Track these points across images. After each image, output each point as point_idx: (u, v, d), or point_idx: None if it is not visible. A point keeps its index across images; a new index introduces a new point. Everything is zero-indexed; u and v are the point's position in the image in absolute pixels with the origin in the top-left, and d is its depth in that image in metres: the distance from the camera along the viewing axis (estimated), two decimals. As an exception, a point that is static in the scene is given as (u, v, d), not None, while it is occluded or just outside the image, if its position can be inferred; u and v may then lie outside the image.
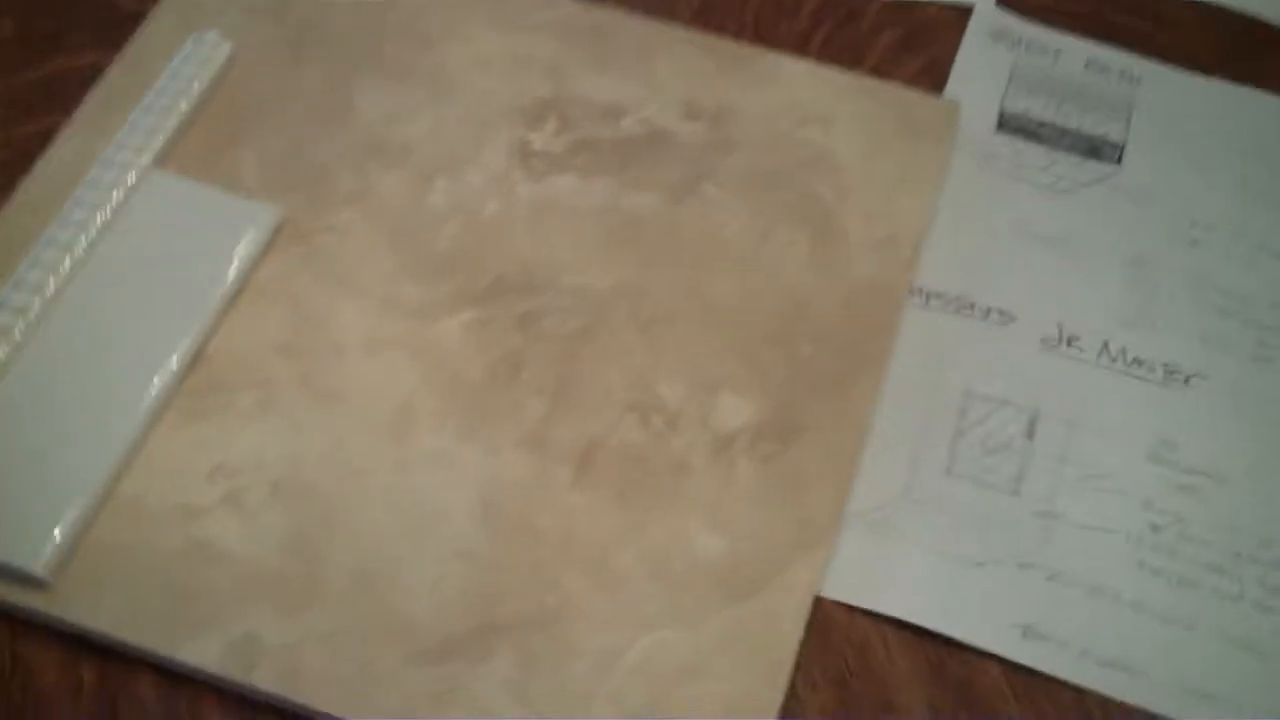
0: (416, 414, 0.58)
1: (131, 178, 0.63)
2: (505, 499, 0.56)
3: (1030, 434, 0.60)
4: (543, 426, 0.58)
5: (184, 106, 0.66)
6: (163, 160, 0.65)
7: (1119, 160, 0.68)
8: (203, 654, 0.53)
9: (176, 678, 0.53)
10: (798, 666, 0.54)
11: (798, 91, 0.69)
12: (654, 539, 0.56)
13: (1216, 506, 0.58)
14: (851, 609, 0.56)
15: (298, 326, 0.61)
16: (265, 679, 0.52)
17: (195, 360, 0.60)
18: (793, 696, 0.54)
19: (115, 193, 0.63)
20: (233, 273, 0.61)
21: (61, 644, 0.54)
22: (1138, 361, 0.62)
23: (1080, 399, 0.61)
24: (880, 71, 0.71)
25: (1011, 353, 0.62)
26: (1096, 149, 0.68)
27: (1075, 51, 0.72)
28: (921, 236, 0.64)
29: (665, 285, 0.62)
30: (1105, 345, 0.62)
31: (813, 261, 0.63)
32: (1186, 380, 0.61)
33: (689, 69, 0.69)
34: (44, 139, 0.66)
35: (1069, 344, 0.62)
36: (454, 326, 0.61)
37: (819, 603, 0.56)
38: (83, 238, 0.62)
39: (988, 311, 0.63)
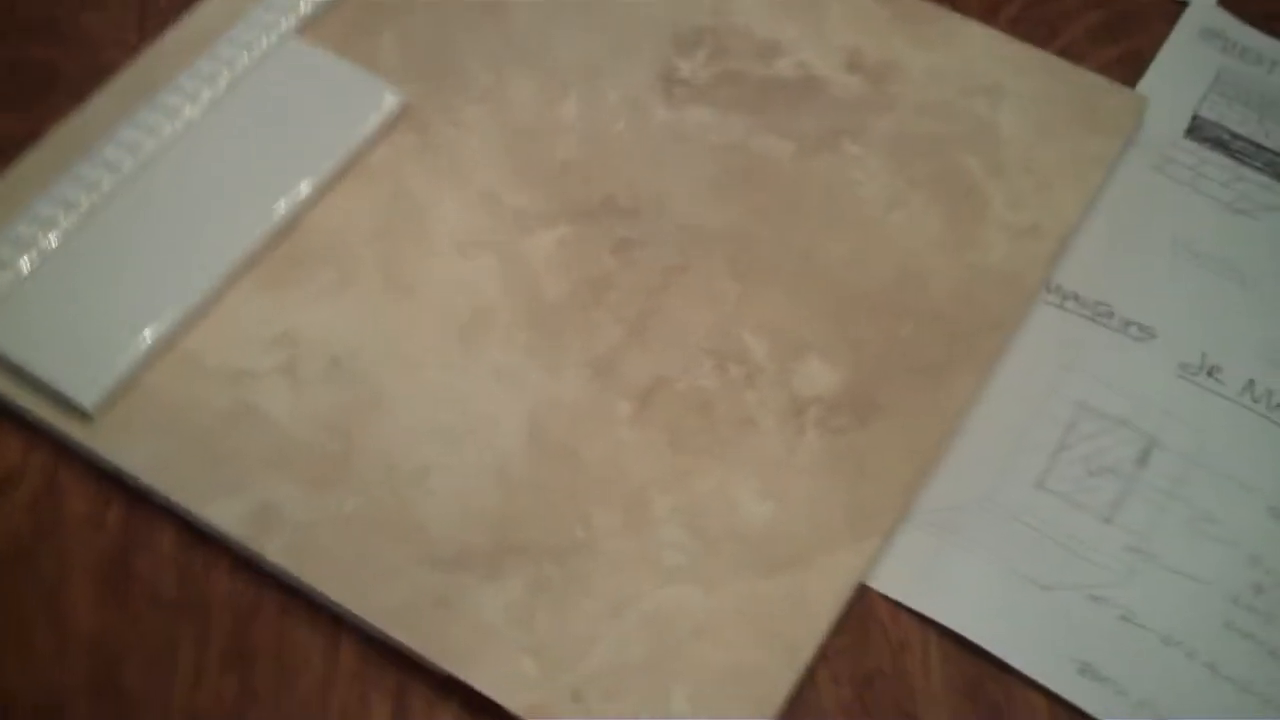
0: (490, 323, 0.56)
1: (268, 40, 0.63)
2: (556, 420, 0.54)
3: (1143, 461, 0.54)
4: (613, 354, 0.55)
5: (338, -22, 0.65)
6: (306, 28, 0.64)
7: (1316, 188, 0.61)
8: (223, 515, 0.52)
9: (196, 534, 0.53)
10: (825, 657, 0.50)
11: (974, 59, 0.64)
12: (698, 491, 0.52)
13: (1333, 579, 0.51)
14: (899, 607, 0.52)
15: (395, 214, 0.59)
16: (276, 550, 0.51)
17: (288, 229, 0.58)
18: (810, 685, 0.50)
19: (249, 52, 0.62)
20: (345, 149, 0.60)
21: (97, 479, 0.54)
22: (1282, 407, 0.55)
23: (1208, 434, 0.55)
24: (1072, 53, 0.65)
25: (1143, 371, 0.56)
26: (1293, 173, 0.62)
27: (1295, 65, 0.65)
28: (1070, 231, 0.59)
29: (775, 236, 0.58)
30: (1250, 383, 0.56)
31: (942, 237, 0.58)
32: (1334, 437, 0.55)
33: (862, 16, 0.65)
34: (204, -9, 0.66)
35: (1210, 374, 0.56)
36: (549, 240, 0.58)
37: (864, 594, 0.52)
38: (206, 90, 0.61)
39: (1127, 324, 0.57)
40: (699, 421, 0.54)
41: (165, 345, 0.55)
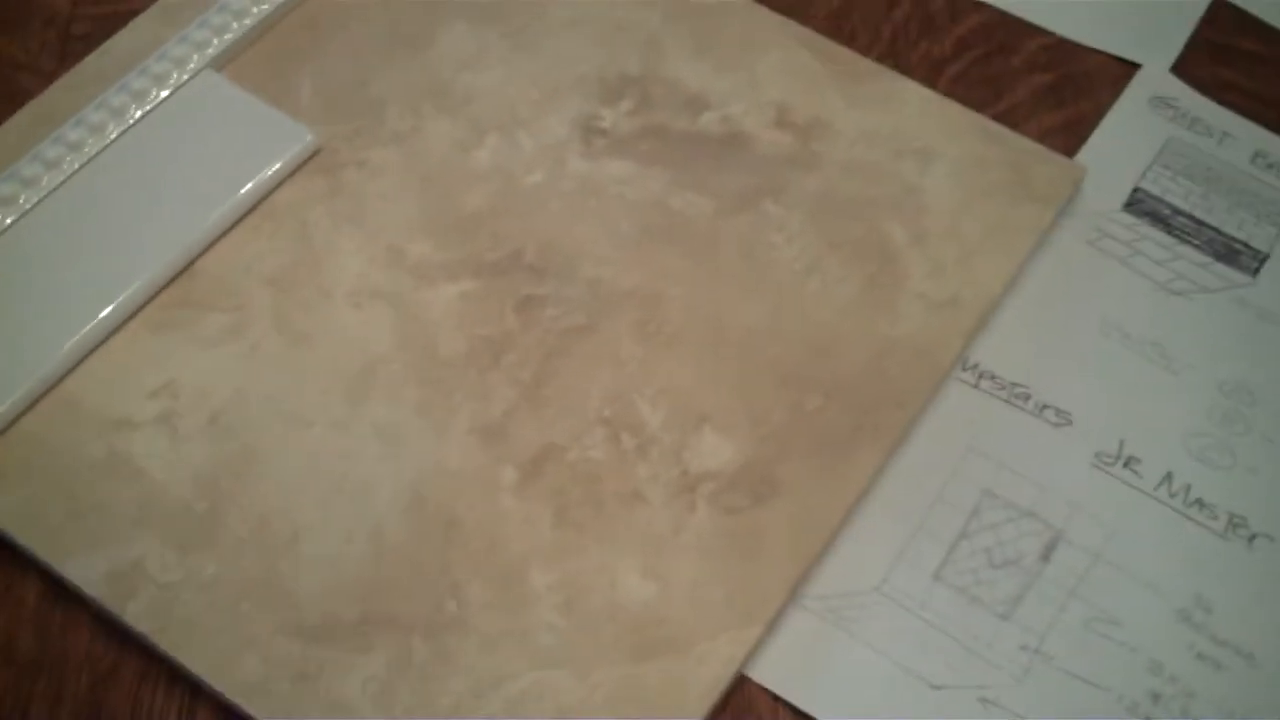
0: (378, 378, 0.54)
1: (182, 74, 0.61)
2: (437, 487, 0.52)
3: (1047, 556, 0.52)
4: (504, 419, 0.53)
5: (259, 12, 0.63)
6: (223, 63, 0.62)
7: (1255, 272, 0.59)
8: (86, 572, 0.50)
9: (62, 589, 0.51)
10: (698, 747, 0.48)
11: (907, 120, 0.61)
12: (579, 568, 0.50)
13: (1236, 688, 0.49)
14: (778, 700, 0.49)
15: (294, 259, 0.57)
16: (137, 614, 0.49)
17: (184, 268, 0.57)
18: (679, 779, 0.48)
19: (160, 85, 0.61)
20: (250, 189, 0.58)
21: (-36, 528, 0.52)
22: (1200, 504, 0.53)
23: (1118, 529, 0.52)
24: (1014, 116, 0.63)
25: (1056, 459, 0.54)
26: (1233, 254, 0.59)
27: (1245, 139, 0.62)
28: (991, 305, 0.57)
29: (686, 298, 0.56)
30: (1168, 476, 0.53)
31: (857, 305, 0.56)
32: (1251, 539, 0.52)
33: (796, 73, 0.63)
34: (126, 19, 0.64)
35: (1126, 464, 0.54)
36: (451, 294, 0.56)
37: (743, 683, 0.50)
38: (112, 124, 0.60)
39: (1044, 407, 0.55)
40: (586, 494, 0.52)
41: (45, 388, 0.54)
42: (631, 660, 0.49)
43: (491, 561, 0.50)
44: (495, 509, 0.51)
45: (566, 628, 0.49)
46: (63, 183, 0.58)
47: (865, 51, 0.65)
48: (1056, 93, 0.64)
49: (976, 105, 0.63)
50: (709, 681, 0.48)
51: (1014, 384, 0.55)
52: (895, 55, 0.65)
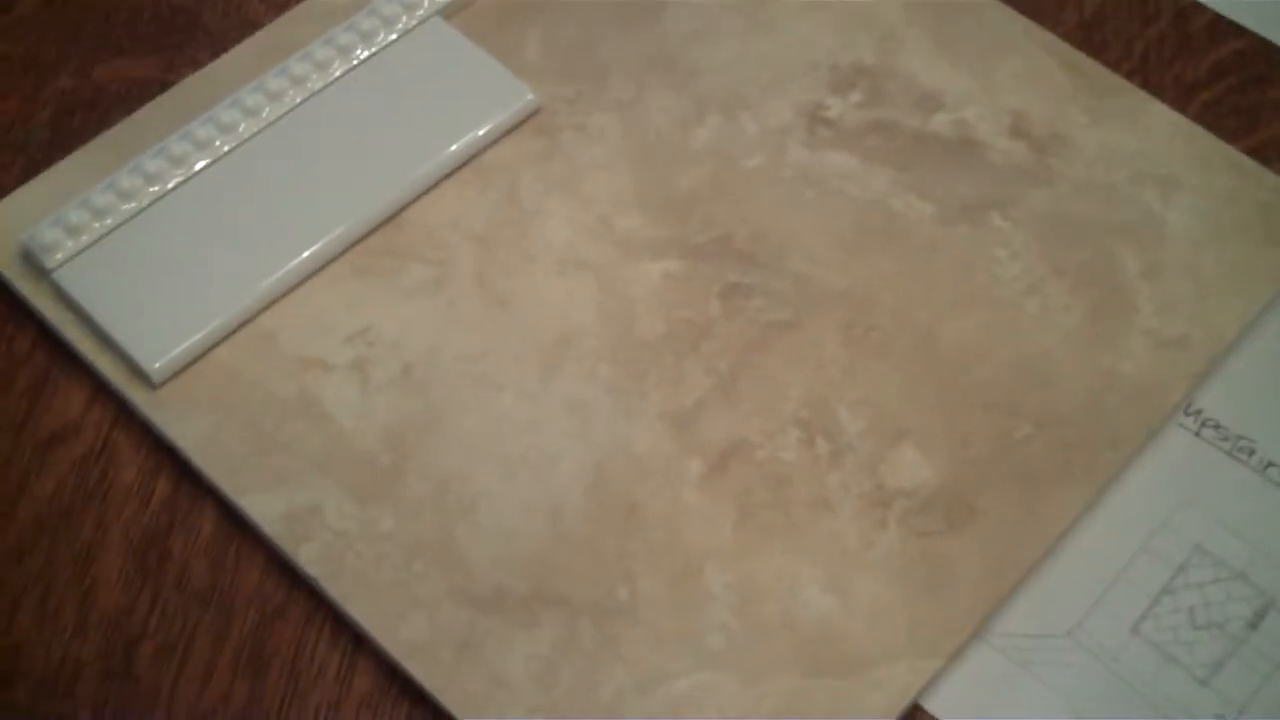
0: (573, 350, 0.53)
1: (411, 18, 0.60)
2: (621, 470, 0.50)
3: (1256, 623, 0.49)
4: (696, 409, 0.52)
5: (494, -36, 0.62)
6: (452, 12, 0.62)
7: None
8: (264, 509, 0.50)
9: (237, 522, 0.51)
10: (861, 774, 0.46)
11: (1153, 143, 0.58)
12: (758, 571, 0.49)
13: None
14: (951, 735, 0.47)
15: (502, 218, 0.56)
16: (310, 558, 0.49)
17: (389, 219, 0.56)
18: (838, 804, 0.46)
19: (389, 27, 0.60)
20: (465, 143, 0.58)
21: (152, 448, 0.52)
22: None
23: (1336, 605, 0.49)
24: (1265, 153, 0.59)
25: (1276, 522, 0.50)
26: None
27: None
28: (1223, 350, 0.53)
29: (898, 306, 0.54)
30: (1397, 554, 0.50)
31: (1080, 334, 0.53)
32: None
33: (1038, 80, 0.60)
34: (358, -41, 0.64)
35: (1352, 537, 0.50)
36: (654, 272, 0.55)
37: (916, 714, 0.47)
38: (338, 62, 0.59)
39: (1268, 465, 0.52)
40: (772, 496, 0.50)
41: (243, 320, 0.54)
42: (803, 674, 0.47)
43: (669, 553, 0.49)
44: (678, 500, 0.50)
45: (739, 632, 0.48)
46: (283, 115, 0.58)
47: (1114, 66, 0.61)
48: (1315, 131, 0.60)
49: (1228, 136, 0.59)
50: (882, 707, 0.46)
51: (1239, 436, 0.52)
52: (1145, 73, 0.62)
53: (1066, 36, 0.62)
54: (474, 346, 0.53)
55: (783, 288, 0.54)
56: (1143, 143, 0.58)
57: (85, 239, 0.54)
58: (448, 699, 0.46)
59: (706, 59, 0.60)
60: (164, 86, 0.60)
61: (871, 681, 0.47)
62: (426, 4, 0.61)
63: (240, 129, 0.57)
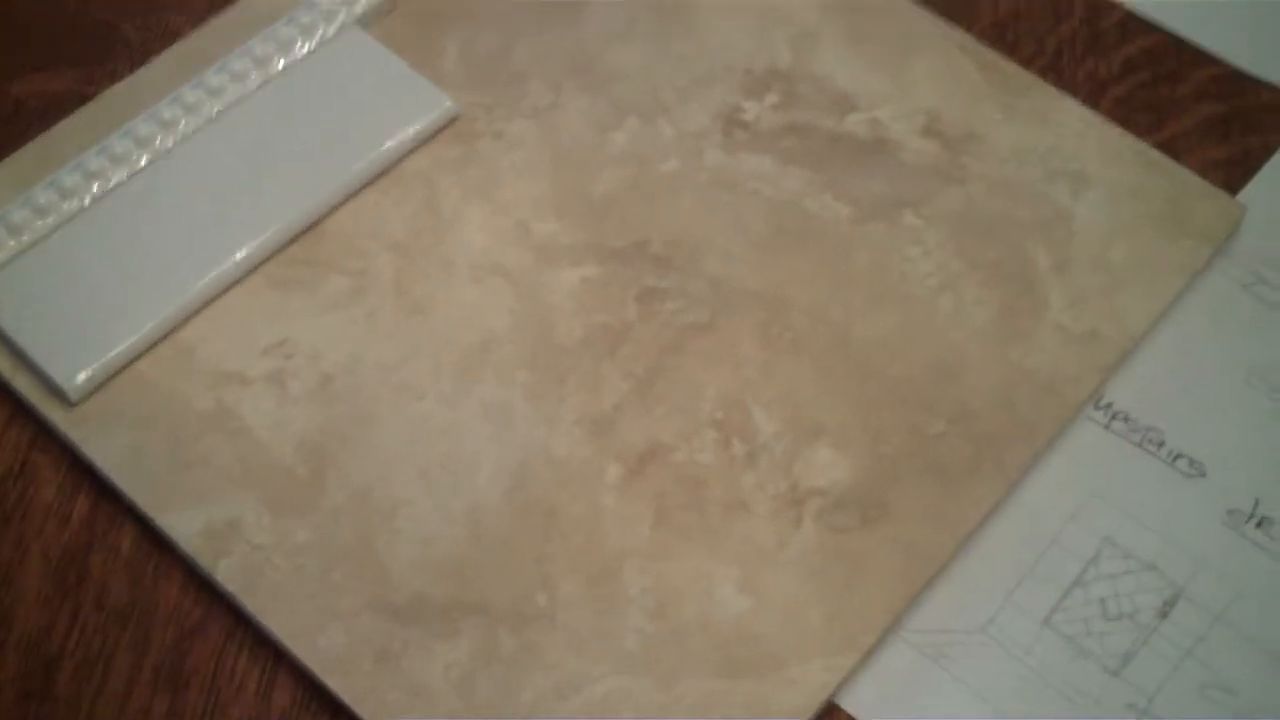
0: (492, 356, 0.53)
1: (329, 28, 0.60)
2: (540, 475, 0.51)
3: (1165, 613, 0.49)
4: (614, 413, 0.52)
5: (411, -28, 0.62)
6: (369, 22, 0.62)
7: None
8: (183, 526, 0.50)
9: (156, 540, 0.51)
10: (779, 773, 0.47)
11: (1065, 140, 0.59)
12: (675, 573, 0.49)
13: (1354, 780, 0.46)
14: (867, 732, 0.48)
15: (420, 227, 0.56)
16: (228, 573, 0.49)
17: (308, 228, 0.56)
18: (756, 803, 0.46)
19: (306, 36, 0.60)
20: (383, 151, 0.58)
21: (71, 468, 0.52)
22: (1335, 574, 0.50)
23: (1244, 593, 0.50)
24: (1175, 147, 0.60)
25: (1184, 512, 0.51)
26: (1399, 310, 0.56)
27: None
28: (1133, 343, 0.54)
29: (813, 305, 0.54)
30: (1304, 542, 0.51)
31: (992, 330, 0.54)
32: (1389, 617, 0.49)
33: (951, 80, 0.60)
34: (276, -32, 0.64)
35: (1260, 525, 0.51)
36: (572, 278, 0.55)
37: (832, 712, 0.48)
38: (254, 72, 0.59)
39: (1177, 456, 0.52)
40: (689, 497, 0.50)
41: (161, 333, 0.54)
42: (719, 675, 0.47)
43: (587, 557, 0.49)
44: (596, 504, 0.50)
45: (655, 634, 0.48)
46: (201, 128, 0.58)
47: (1027, 63, 0.62)
48: (1224, 126, 0.61)
49: (1139, 131, 0.60)
50: (797, 706, 0.47)
51: (1148, 428, 0.53)
52: (1058, 70, 0.62)
53: (981, 35, 0.63)
54: (393, 355, 0.53)
55: (699, 290, 0.55)
56: (1055, 139, 0.59)
57: (0, 256, 0.54)
58: (365, 710, 0.46)
59: (624, 62, 0.61)
60: (83, 100, 0.60)
61: (786, 680, 0.47)
62: (344, 14, 0.61)
63: (157, 142, 0.57)
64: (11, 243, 0.54)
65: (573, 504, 0.50)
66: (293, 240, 0.56)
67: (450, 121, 0.59)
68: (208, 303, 0.54)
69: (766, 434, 0.52)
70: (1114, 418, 0.53)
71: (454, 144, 0.59)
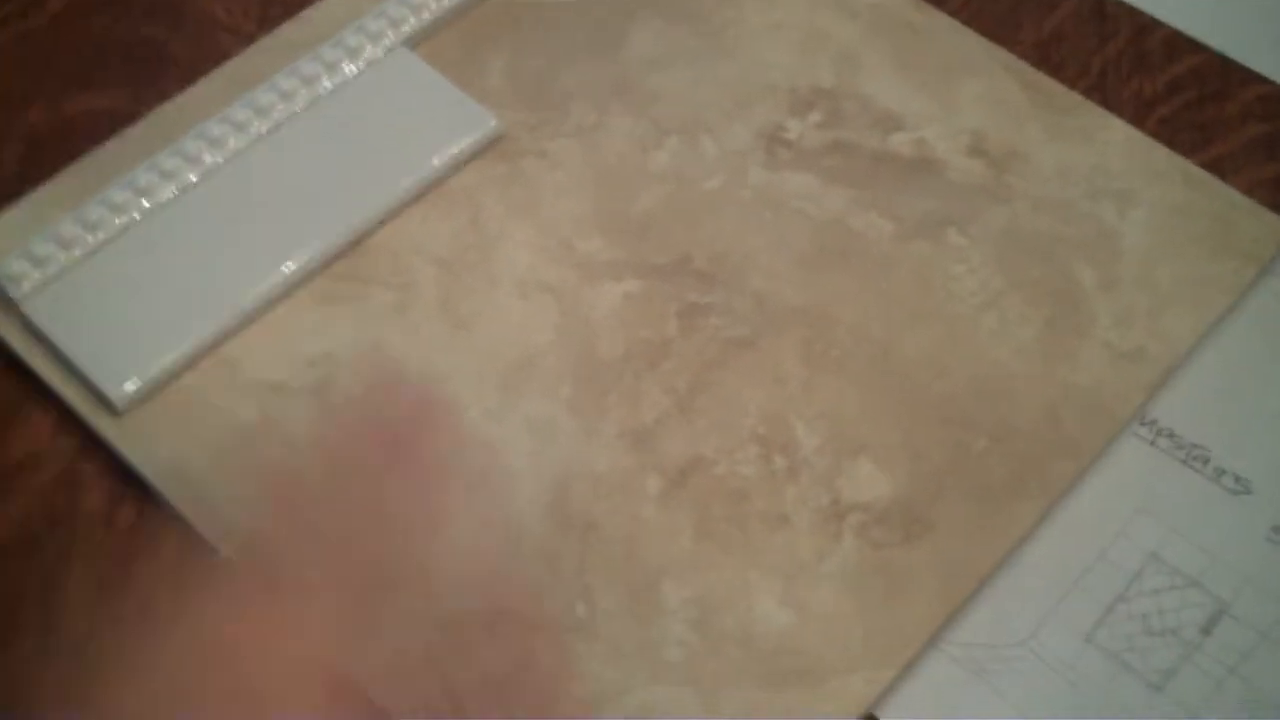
0: (535, 370, 0.54)
1: (376, 48, 0.61)
2: (581, 486, 0.51)
3: (1209, 629, 0.49)
4: (655, 426, 0.52)
5: (457, -4, 0.63)
6: (417, 41, 0.62)
7: None
8: (226, 536, 0.50)
9: (200, 547, 0.51)
10: (818, 787, 0.46)
11: (1109, 159, 0.59)
12: (715, 585, 0.49)
13: (1404, 801, 0.45)
14: (907, 746, 0.47)
15: (465, 243, 0.57)
16: (271, 580, 0.49)
17: (354, 244, 0.57)
18: (795, 817, 0.46)
19: (353, 57, 0.61)
20: (429, 169, 0.58)
21: (118, 475, 0.53)
22: (1384, 593, 0.49)
23: (1291, 611, 0.49)
24: (1221, 166, 0.59)
25: (1229, 529, 0.51)
26: None
27: None
28: (1179, 360, 0.54)
29: (856, 322, 0.54)
30: (1351, 561, 0.50)
31: (1036, 348, 0.54)
32: None
33: (996, 100, 0.60)
34: (324, -9, 0.65)
35: (1307, 543, 0.50)
36: (615, 293, 0.55)
37: (872, 725, 0.48)
38: (303, 92, 0.60)
39: (1222, 473, 0.52)
40: (730, 510, 0.50)
41: (208, 347, 0.54)
42: (759, 687, 0.47)
43: (627, 569, 0.49)
44: (637, 516, 0.50)
45: (696, 645, 0.48)
46: (249, 146, 0.58)
47: (1072, 84, 0.62)
48: (1271, 145, 0.61)
49: (1185, 151, 0.60)
50: (838, 718, 0.46)
51: (1194, 445, 0.52)
52: (1103, 90, 0.62)
53: (1025, 56, 0.63)
54: (436, 368, 0.54)
55: (741, 306, 0.55)
56: (1099, 158, 0.59)
57: (52, 270, 0.55)
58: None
59: (667, 84, 0.61)
60: (133, 118, 0.61)
61: (827, 693, 0.47)
62: (391, 35, 0.62)
63: (206, 160, 0.58)
64: (62, 256, 0.55)
65: (613, 516, 0.50)
66: (339, 256, 0.56)
67: (495, 140, 0.60)
68: (254, 317, 0.55)
69: (808, 449, 0.52)
70: (1160, 434, 0.53)
71: (498, 162, 0.59)
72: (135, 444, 0.52)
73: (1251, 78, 0.63)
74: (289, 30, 0.63)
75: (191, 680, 0.44)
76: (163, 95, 0.62)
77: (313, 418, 0.52)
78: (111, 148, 0.59)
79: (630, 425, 0.52)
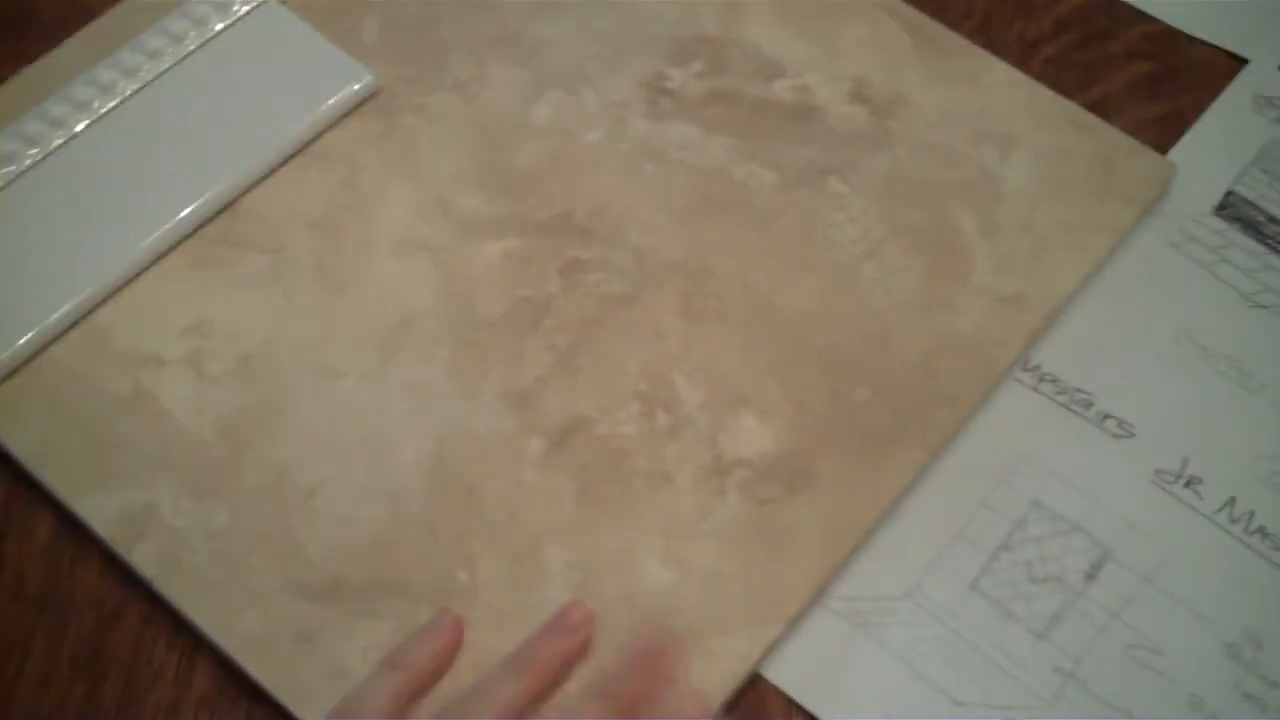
0: (413, 333, 0.53)
1: (246, 3, 0.59)
2: (462, 452, 0.50)
3: (1092, 575, 0.49)
4: (536, 386, 0.52)
5: (329, -55, 0.61)
6: (288, -4, 0.61)
7: (1351, 288, 0.55)
8: (98, 512, 0.49)
9: (73, 527, 0.50)
10: (704, 746, 0.46)
11: (992, 101, 0.58)
12: (597, 548, 0.49)
13: (1280, 737, 0.46)
14: (793, 704, 0.47)
15: (340, 204, 0.56)
16: (144, 559, 0.48)
17: (226, 207, 0.55)
18: (680, 777, 0.46)
19: (222, 13, 0.59)
20: (302, 127, 0.57)
21: (-14, 455, 0.51)
22: (1263, 532, 0.50)
23: (1171, 553, 0.49)
24: (1105, 107, 0.59)
25: (1112, 473, 0.51)
26: (1329, 267, 0.55)
27: (1354, 145, 0.58)
28: (1060, 305, 0.54)
29: (737, 274, 0.54)
30: (1231, 501, 0.50)
31: (917, 296, 0.53)
32: (1315, 575, 0.49)
33: (879, 44, 0.60)
34: (195, -56, 0.63)
35: (1187, 484, 0.51)
36: (494, 252, 0.55)
37: (757, 683, 0.47)
38: (169, 50, 0.58)
39: (1105, 417, 0.52)
40: (612, 471, 0.50)
41: (76, 316, 0.53)
42: (642, 649, 0.47)
43: (509, 534, 0.49)
44: (518, 480, 0.50)
45: (578, 609, 0.47)
46: (115, 107, 0.57)
47: (956, 26, 0.61)
48: (1155, 84, 0.61)
49: (1069, 91, 0.59)
50: (720, 679, 0.46)
51: (1076, 389, 0.52)
52: (988, 32, 0.62)
53: (912, -1, 0.62)
54: (312, 334, 0.53)
55: (622, 261, 0.54)
56: (982, 102, 0.58)
57: (-90, 242, 0.53)
58: (284, 693, 0.46)
59: (547, 34, 0.60)
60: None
61: (709, 652, 0.47)
62: (262, -12, 0.60)
63: (71, 123, 0.56)
64: (-78, 228, 0.53)
65: (494, 480, 0.50)
66: (210, 220, 0.55)
67: (371, 95, 0.58)
68: (123, 285, 0.54)
69: (690, 405, 0.51)
70: (1042, 380, 0.53)
71: (374, 118, 0.58)
72: (3, 422, 0.51)
73: (1136, 16, 0.62)
74: (152, -13, 0.61)
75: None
76: (27, 57, 0.60)
77: (187, 390, 0.51)
78: (-28, 112, 0.58)
79: (511, 386, 0.52)
